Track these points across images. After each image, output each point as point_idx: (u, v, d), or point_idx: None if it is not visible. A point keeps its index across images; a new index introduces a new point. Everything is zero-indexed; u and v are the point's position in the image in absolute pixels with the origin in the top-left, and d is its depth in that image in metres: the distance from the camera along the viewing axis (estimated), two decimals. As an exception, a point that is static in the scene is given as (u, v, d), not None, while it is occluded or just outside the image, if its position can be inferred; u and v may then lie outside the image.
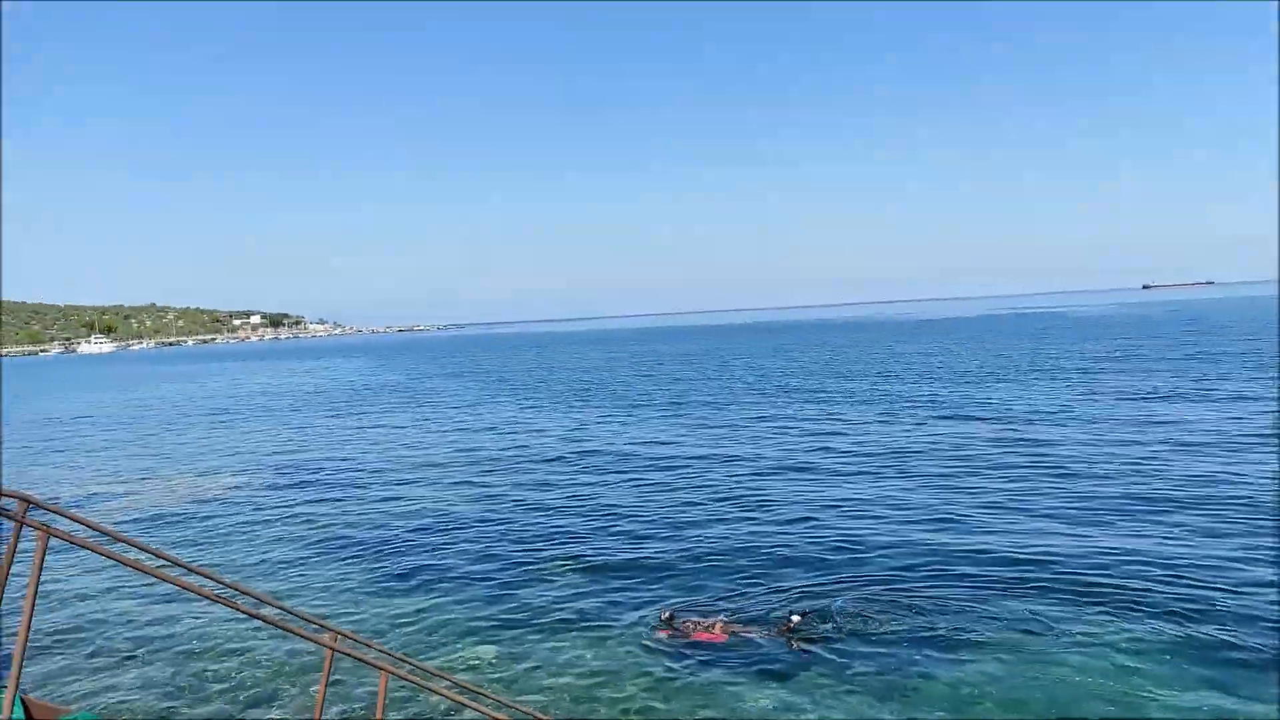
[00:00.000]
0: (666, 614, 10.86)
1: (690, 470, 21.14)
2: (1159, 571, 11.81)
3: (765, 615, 10.92)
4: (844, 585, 11.94)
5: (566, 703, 8.89)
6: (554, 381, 55.39)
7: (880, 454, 21.64)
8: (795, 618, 10.52)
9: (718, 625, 10.43)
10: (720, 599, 11.73)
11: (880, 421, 28.04)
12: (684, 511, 17.01)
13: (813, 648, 9.88)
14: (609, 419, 33.21)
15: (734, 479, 19.76)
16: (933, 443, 22.94)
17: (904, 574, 12.28)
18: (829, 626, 10.43)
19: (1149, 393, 30.88)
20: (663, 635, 10.41)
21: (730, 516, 16.38)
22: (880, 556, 13.16)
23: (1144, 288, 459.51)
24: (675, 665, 9.64)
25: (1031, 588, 11.47)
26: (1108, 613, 10.46)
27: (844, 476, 19.14)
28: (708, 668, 9.52)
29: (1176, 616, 10.25)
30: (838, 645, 9.91)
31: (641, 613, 11.34)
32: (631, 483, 20.27)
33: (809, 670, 9.35)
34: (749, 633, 10.33)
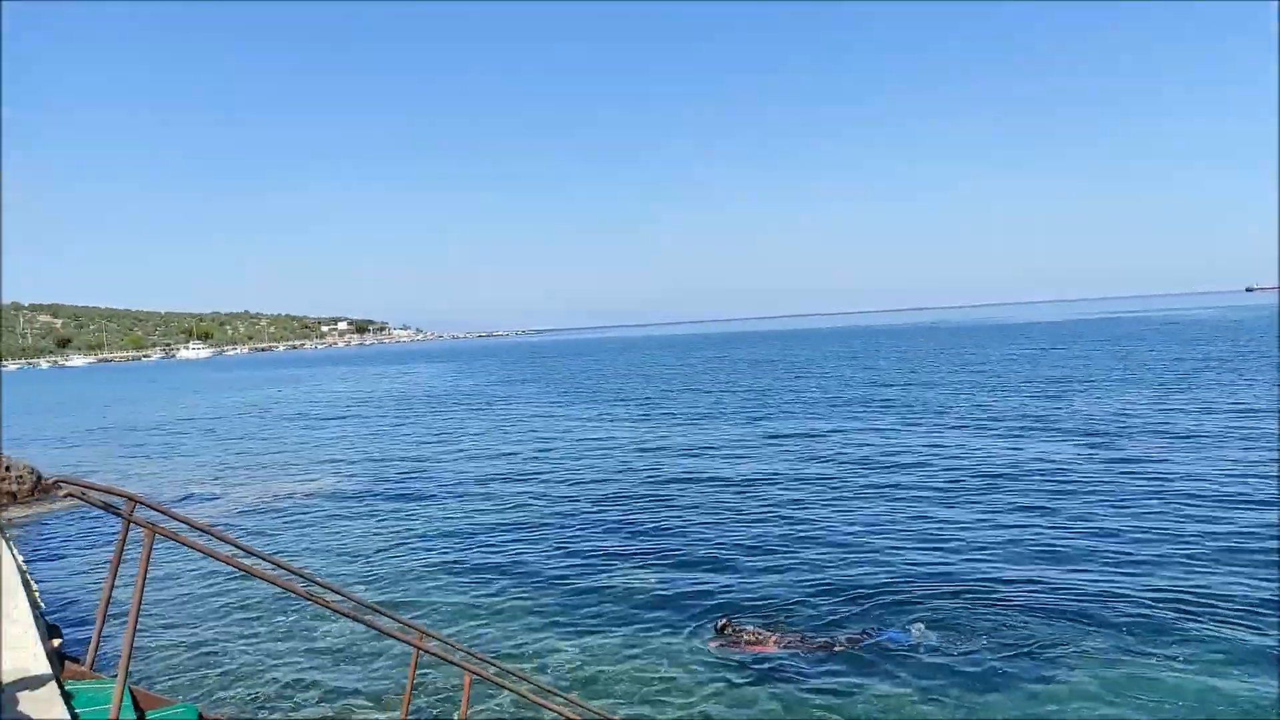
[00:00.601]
0: (722, 622, 10.82)
1: (766, 480, 20.99)
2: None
3: (821, 632, 10.70)
4: (914, 607, 11.52)
5: (627, 708, 8.92)
6: (631, 387, 55.64)
7: (967, 468, 20.92)
8: (844, 638, 10.30)
9: (771, 639, 10.32)
10: (781, 611, 11.56)
11: (961, 429, 27.36)
12: (757, 520, 16.87)
13: (866, 669, 9.64)
14: (684, 424, 33.22)
15: (809, 490, 19.50)
16: (1022, 457, 22.08)
17: (980, 599, 11.59)
18: (889, 648, 10.11)
19: (1260, 407, 29.07)
20: (714, 645, 10.39)
21: (805, 528, 16.12)
22: (958, 581, 12.46)
23: (1247, 290, 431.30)
24: (717, 675, 9.61)
25: (1112, 624, 10.55)
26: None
27: (927, 492, 18.55)
28: (751, 679, 9.44)
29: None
30: (893, 668, 9.63)
31: (705, 620, 11.34)
32: (707, 490, 20.22)
33: (854, 689, 9.16)
34: (800, 648, 10.17)
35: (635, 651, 10.47)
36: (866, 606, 11.57)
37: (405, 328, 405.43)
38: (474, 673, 5.45)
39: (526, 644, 10.89)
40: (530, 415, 40.36)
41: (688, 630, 11.07)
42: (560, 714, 6.61)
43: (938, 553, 13.87)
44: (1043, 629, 10.43)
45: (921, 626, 10.53)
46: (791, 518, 16.84)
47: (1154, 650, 9.63)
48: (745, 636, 10.37)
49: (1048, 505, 16.49)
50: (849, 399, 38.80)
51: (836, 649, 10.05)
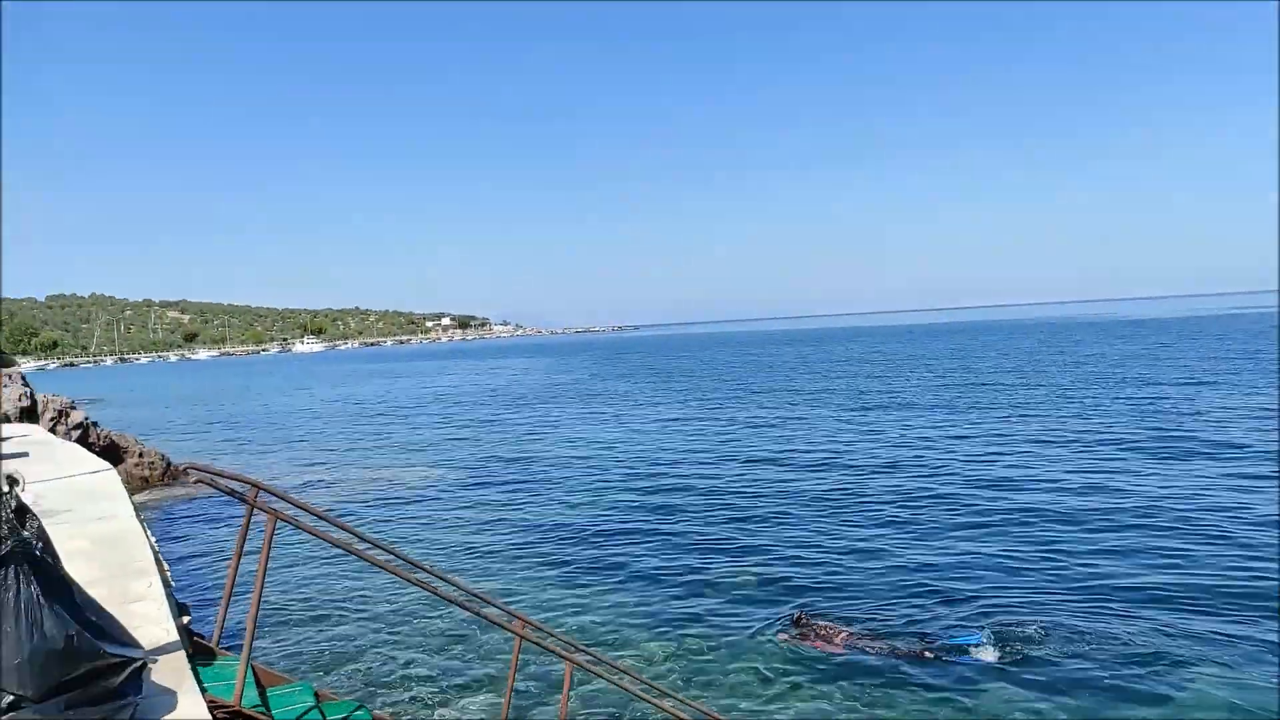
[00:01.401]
0: (797, 615, 10.97)
1: (862, 477, 20.74)
2: None
3: (891, 633, 10.52)
4: (989, 615, 11.11)
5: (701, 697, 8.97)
6: (732, 382, 55.41)
7: (1088, 483, 19.83)
8: (912, 642, 10.11)
9: (840, 637, 10.30)
10: (857, 610, 11.48)
11: (1083, 430, 26.18)
12: (851, 517, 16.72)
13: (928, 676, 9.39)
14: (779, 420, 32.89)
15: (906, 490, 19.07)
16: (1155, 472, 20.76)
17: (1081, 614, 10.99)
18: (954, 658, 9.82)
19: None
20: (784, 638, 10.49)
21: (898, 528, 15.81)
22: (1051, 595, 11.86)
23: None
24: (785, 669, 9.68)
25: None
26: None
27: (1032, 501, 17.72)
28: (812, 675, 9.48)
29: None
30: (954, 678, 9.36)
31: (784, 612, 11.43)
32: (799, 485, 20.10)
33: (914, 694, 8.98)
34: (868, 647, 10.07)
35: (715, 642, 10.63)
36: (944, 612, 11.29)
37: (505, 323, 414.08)
38: (575, 663, 5.51)
39: (616, 633, 11.12)
40: (626, 409, 40.74)
41: (766, 623, 11.16)
42: (657, 705, 6.64)
43: (1036, 565, 13.23)
44: (1132, 646, 9.89)
45: (990, 636, 10.17)
46: (886, 517, 16.56)
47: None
48: (817, 631, 10.46)
49: (1176, 526, 15.10)
50: (949, 397, 37.70)
51: (902, 652, 9.93)
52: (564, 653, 5.76)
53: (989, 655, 9.69)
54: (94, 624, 3.73)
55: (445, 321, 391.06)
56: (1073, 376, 43.33)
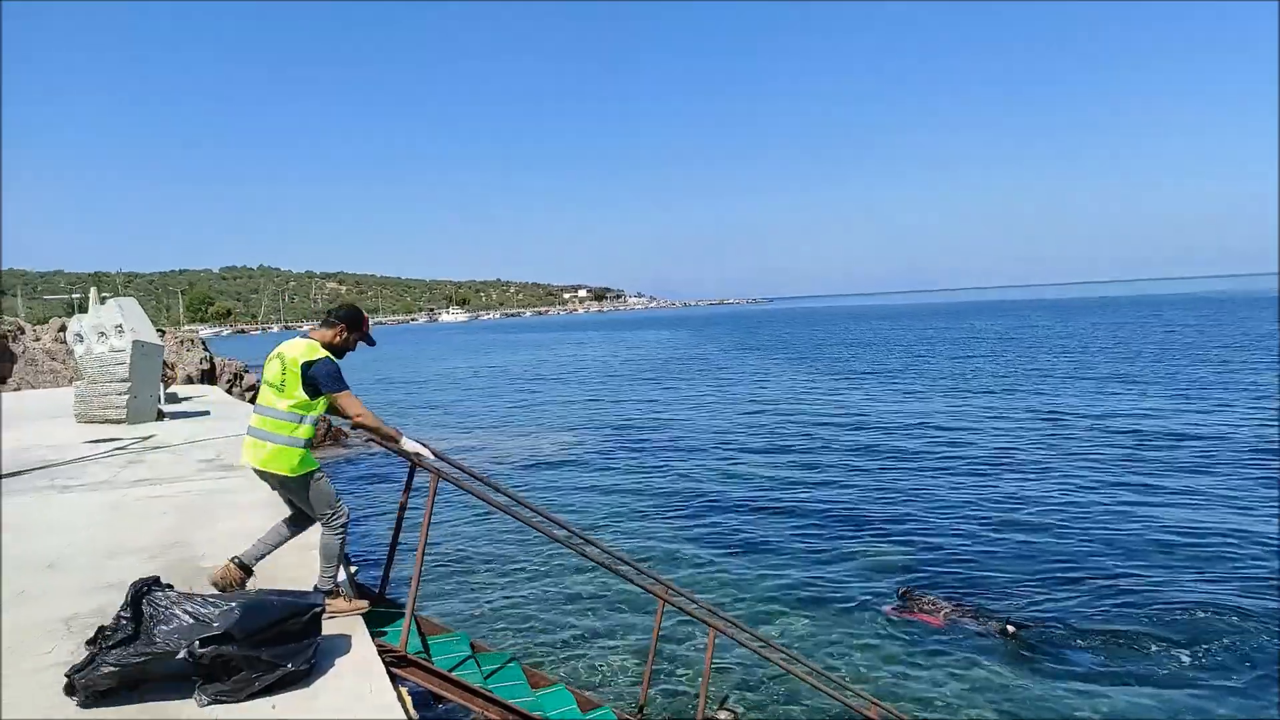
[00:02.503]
0: (904, 590, 11.06)
1: (988, 455, 20.24)
2: None
3: (996, 613, 10.37)
4: (1106, 603, 10.73)
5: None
6: (856, 356, 54.19)
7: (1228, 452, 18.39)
8: (1012, 628, 9.81)
9: (943, 612, 10.35)
10: (967, 588, 11.43)
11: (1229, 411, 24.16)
12: (976, 493, 16.46)
13: (1025, 658, 9.27)
14: (907, 393, 31.98)
15: (1038, 469, 18.41)
16: None
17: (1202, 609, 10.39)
18: (1057, 642, 9.61)
19: None
20: (890, 610, 10.59)
21: (1024, 507, 15.33)
22: (1174, 586, 11.23)
23: None
24: (886, 640, 9.83)
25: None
26: None
27: (1170, 481, 16.65)
28: (910, 648, 9.58)
29: None
30: (1053, 663, 9.17)
31: (897, 585, 11.52)
32: (930, 461, 19.87)
33: (1008, 676, 8.89)
34: (970, 625, 10.03)
35: (828, 610, 10.87)
36: (1054, 596, 11.01)
37: (639, 295, 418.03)
38: (716, 628, 5.57)
39: (740, 597, 11.41)
40: (758, 380, 40.64)
41: (877, 595, 11.30)
42: (794, 674, 6.65)
43: (1161, 553, 12.55)
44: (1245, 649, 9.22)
45: (1099, 627, 9.88)
46: (1011, 496, 16.13)
47: None
48: (922, 606, 10.58)
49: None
50: (1086, 374, 35.53)
51: (1003, 632, 9.79)
52: (705, 617, 5.83)
53: (1088, 652, 9.39)
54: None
55: (582, 293, 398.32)
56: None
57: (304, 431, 4.56)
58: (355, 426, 4.55)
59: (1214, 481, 16.29)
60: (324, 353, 4.58)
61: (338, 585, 4.85)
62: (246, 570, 4.75)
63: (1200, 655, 9.14)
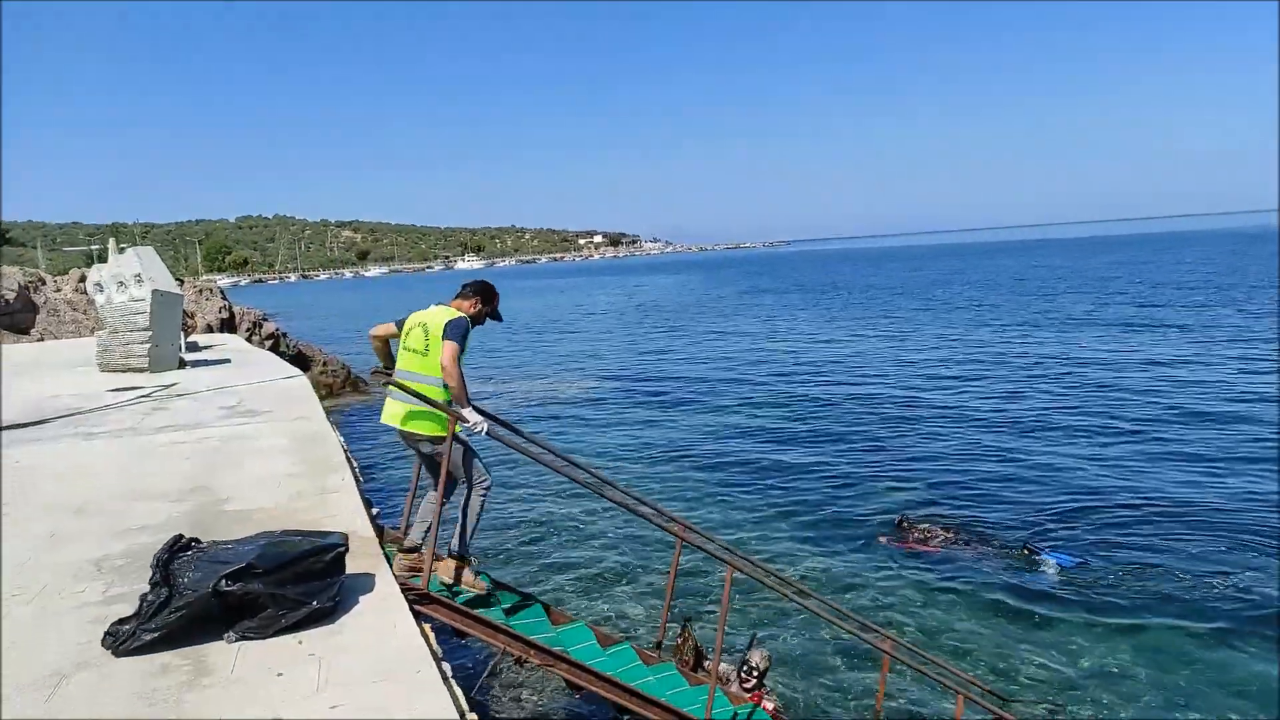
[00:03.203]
0: (899, 519, 11.62)
1: (1003, 391, 20.75)
2: None
3: (986, 541, 10.89)
4: (1091, 534, 11.11)
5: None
6: (869, 300, 53.87)
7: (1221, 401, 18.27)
8: (1004, 553, 10.41)
9: (936, 540, 10.88)
10: (963, 518, 11.88)
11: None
12: (989, 433, 16.78)
13: (1011, 585, 9.68)
14: (920, 337, 31.83)
15: (1037, 409, 18.77)
16: None
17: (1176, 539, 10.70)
18: (1043, 571, 9.98)
19: None
20: (885, 539, 11.20)
21: (1022, 444, 15.77)
22: (1158, 519, 11.50)
23: None
24: (879, 567, 10.40)
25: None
26: None
27: (1156, 422, 16.79)
28: (900, 575, 10.08)
29: None
30: (1038, 592, 9.54)
31: (892, 516, 12.02)
32: (939, 400, 20.35)
33: (992, 602, 9.30)
34: (960, 552, 10.52)
35: (830, 541, 11.41)
36: (1043, 528, 11.44)
37: (654, 240, 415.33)
38: (735, 567, 5.63)
39: (752, 532, 11.88)
40: (770, 323, 40.80)
41: (875, 525, 11.87)
42: (809, 609, 6.75)
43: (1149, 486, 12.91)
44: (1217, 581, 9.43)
45: (1083, 558, 10.24)
46: (1014, 432, 16.64)
47: None
48: (914, 534, 11.14)
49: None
50: (1102, 316, 35.22)
51: (991, 560, 10.26)
52: (722, 555, 5.90)
53: (1072, 580, 9.72)
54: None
55: (597, 239, 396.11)
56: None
57: (446, 394, 4.73)
58: (444, 378, 4.73)
59: (1215, 428, 16.21)
60: (456, 312, 4.90)
61: (469, 553, 5.08)
62: (415, 550, 5.02)
63: (1199, 592, 9.23)
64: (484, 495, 5.02)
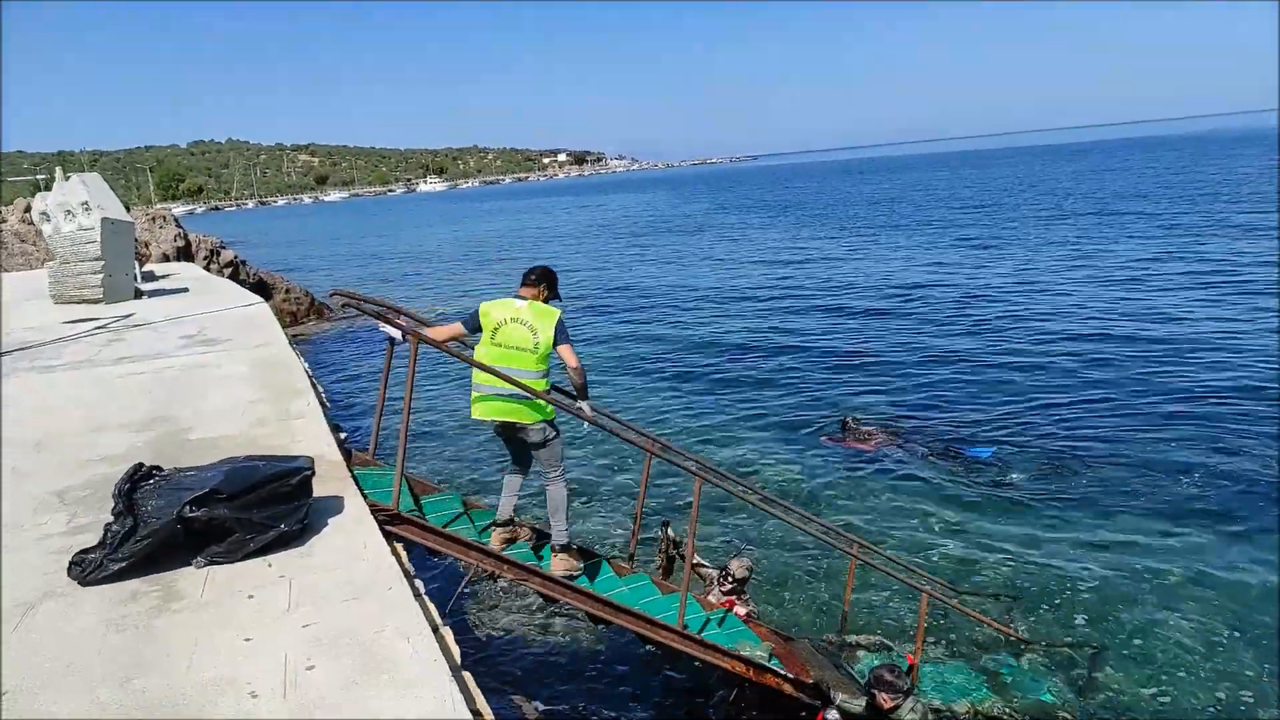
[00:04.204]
0: (845, 419, 12.13)
1: (949, 303, 21.09)
2: None
3: (918, 439, 11.43)
4: (1021, 435, 11.55)
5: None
6: (836, 211, 53.77)
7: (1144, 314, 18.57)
8: (932, 449, 10.93)
9: (874, 440, 11.37)
10: (906, 420, 12.40)
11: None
12: (936, 344, 17.22)
13: (937, 479, 10.16)
14: (874, 245, 31.94)
15: (980, 314, 19.37)
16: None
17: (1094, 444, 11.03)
18: (969, 465, 10.49)
19: None
20: (827, 439, 11.77)
21: (978, 354, 16.18)
22: (1082, 424, 11.86)
23: None
24: (819, 463, 11.01)
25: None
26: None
27: (1091, 330, 17.14)
28: (834, 470, 10.75)
29: None
30: (960, 484, 10.05)
31: (838, 417, 12.60)
32: (883, 305, 21.21)
33: (918, 495, 9.78)
34: (895, 450, 11.05)
35: (780, 443, 11.95)
36: (972, 426, 11.99)
37: (621, 158, 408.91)
38: (703, 479, 5.70)
39: (713, 439, 12.29)
40: (730, 241, 40.80)
41: (820, 425, 12.47)
42: (776, 516, 6.89)
43: (1073, 390, 13.40)
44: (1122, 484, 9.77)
45: (1000, 456, 10.72)
46: (955, 343, 17.09)
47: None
48: (857, 435, 11.61)
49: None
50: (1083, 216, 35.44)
51: (921, 458, 10.74)
52: (691, 468, 5.96)
53: (991, 473, 10.26)
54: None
55: (561, 158, 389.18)
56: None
57: (546, 384, 5.07)
58: (575, 377, 5.19)
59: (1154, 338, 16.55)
60: (555, 310, 5.11)
61: (571, 541, 5.43)
62: (510, 522, 5.45)
63: (1142, 491, 9.57)
64: (566, 486, 5.42)
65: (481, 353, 5.04)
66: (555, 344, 5.00)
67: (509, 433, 5.20)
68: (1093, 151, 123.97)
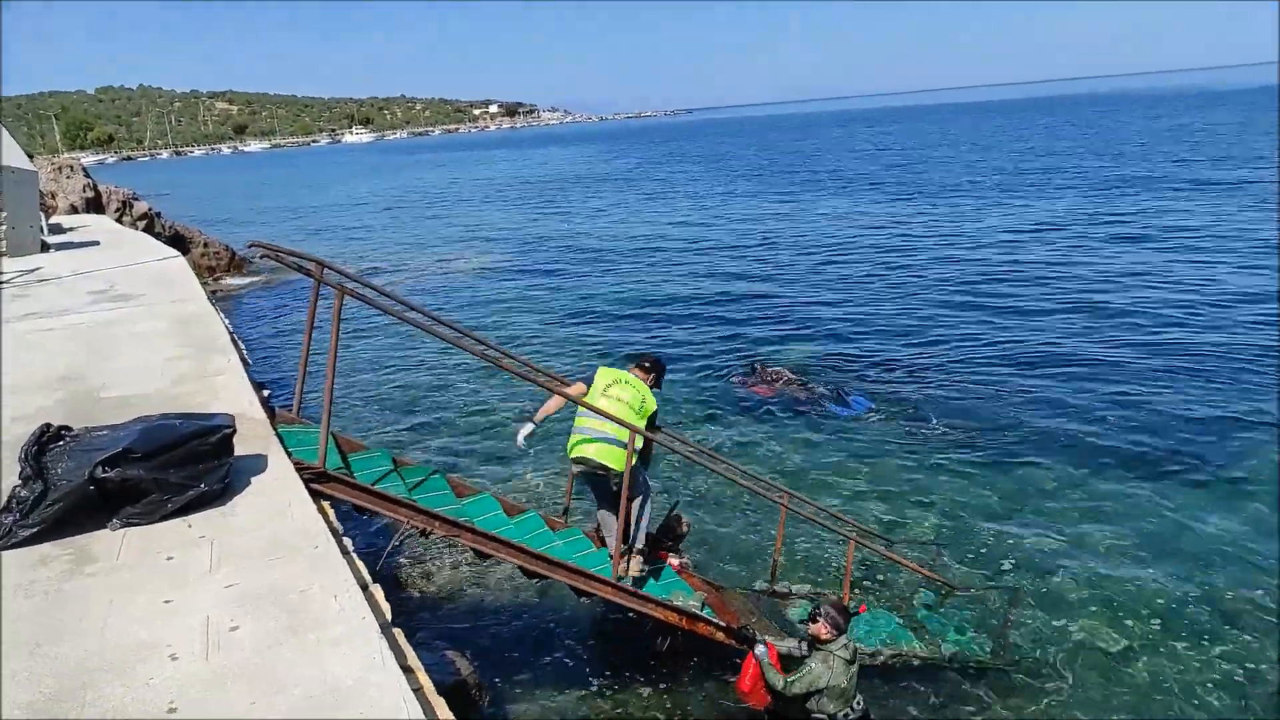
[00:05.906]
0: (757, 365, 12.60)
1: (875, 254, 21.52)
2: None
3: (812, 386, 11.85)
4: (905, 384, 12.07)
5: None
6: (771, 167, 54.00)
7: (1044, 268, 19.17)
8: (818, 395, 11.43)
9: (778, 384, 11.87)
10: (808, 366, 12.91)
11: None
12: (855, 293, 17.74)
13: (817, 422, 10.74)
14: (812, 198, 32.26)
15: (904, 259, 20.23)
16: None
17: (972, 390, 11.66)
18: (849, 411, 11.01)
19: None
20: (736, 380, 12.35)
21: (889, 303, 16.76)
22: (967, 371, 12.45)
23: None
24: (715, 403, 11.61)
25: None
26: None
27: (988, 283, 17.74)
28: (730, 410, 11.33)
29: None
30: (838, 427, 10.59)
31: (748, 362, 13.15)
32: (816, 258, 21.70)
33: (798, 438, 10.32)
34: (787, 395, 11.55)
35: (696, 384, 12.50)
36: (857, 375, 12.53)
37: (553, 110, 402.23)
38: (635, 430, 5.70)
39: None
40: (661, 195, 40.77)
41: (731, 369, 13.00)
42: (710, 469, 6.96)
43: (961, 339, 14.01)
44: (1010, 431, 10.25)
45: (878, 402, 11.25)
46: (873, 293, 17.58)
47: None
48: (763, 378, 12.12)
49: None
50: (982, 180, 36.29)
51: (807, 405, 11.23)
52: (626, 423, 5.96)
53: (864, 416, 10.88)
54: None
55: (493, 109, 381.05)
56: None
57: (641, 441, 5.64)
58: (646, 446, 5.83)
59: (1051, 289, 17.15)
60: (654, 401, 5.85)
61: (643, 546, 5.95)
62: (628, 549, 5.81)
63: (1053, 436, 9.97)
64: (650, 500, 6.05)
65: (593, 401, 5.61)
66: (651, 421, 5.75)
67: (596, 474, 5.63)
68: (995, 111, 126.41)
